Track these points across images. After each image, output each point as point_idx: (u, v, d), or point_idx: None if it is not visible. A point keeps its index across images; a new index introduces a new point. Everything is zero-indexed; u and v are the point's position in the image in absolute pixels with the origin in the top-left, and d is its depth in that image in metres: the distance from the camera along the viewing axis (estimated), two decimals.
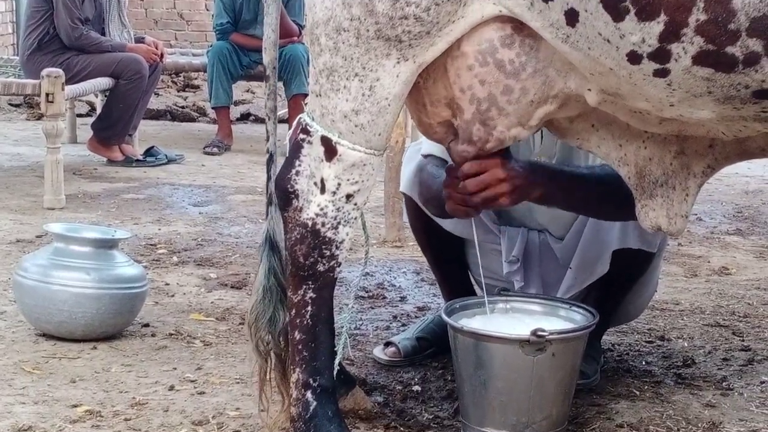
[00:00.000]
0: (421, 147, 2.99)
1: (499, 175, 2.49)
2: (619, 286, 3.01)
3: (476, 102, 2.33)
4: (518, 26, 2.24)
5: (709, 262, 4.53)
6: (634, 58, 2.08)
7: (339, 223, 2.40)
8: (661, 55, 2.05)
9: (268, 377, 2.55)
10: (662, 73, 2.08)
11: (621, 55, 2.08)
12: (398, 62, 2.28)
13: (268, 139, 2.58)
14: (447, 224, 3.00)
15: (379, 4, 2.22)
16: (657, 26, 2.02)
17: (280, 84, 8.23)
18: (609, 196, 2.65)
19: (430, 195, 2.87)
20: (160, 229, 4.87)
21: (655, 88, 2.11)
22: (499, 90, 2.30)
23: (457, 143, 2.45)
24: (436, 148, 2.86)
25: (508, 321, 2.69)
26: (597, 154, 2.52)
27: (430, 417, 2.74)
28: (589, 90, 2.26)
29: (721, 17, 1.97)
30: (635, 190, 2.47)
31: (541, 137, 2.87)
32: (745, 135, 2.28)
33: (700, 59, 2.03)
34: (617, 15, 2.03)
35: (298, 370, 2.46)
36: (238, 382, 2.94)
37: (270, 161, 2.56)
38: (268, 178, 2.55)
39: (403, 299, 3.88)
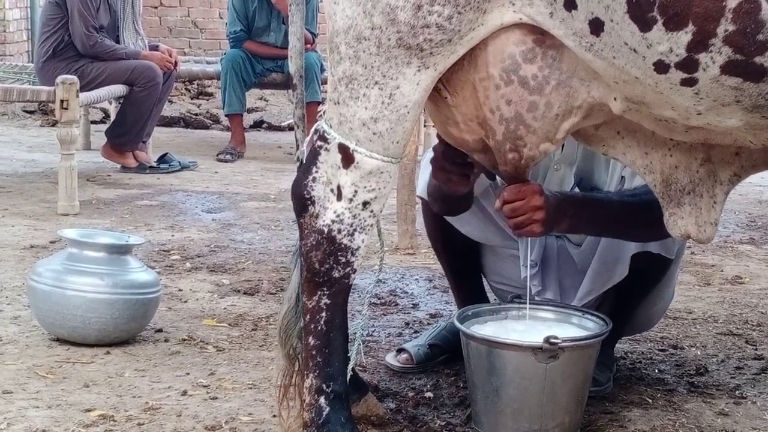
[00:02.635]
0: None
1: (536, 203, 2.56)
2: (635, 293, 3.01)
3: (505, 122, 2.35)
4: (539, 38, 2.24)
5: (722, 271, 4.52)
6: (661, 67, 2.07)
7: (355, 230, 2.41)
8: (688, 64, 2.05)
9: (293, 381, 2.56)
10: (690, 83, 2.08)
11: (647, 64, 2.08)
12: (419, 70, 2.28)
13: (297, 148, 2.59)
14: (465, 229, 3.01)
15: (401, 13, 2.22)
16: (685, 36, 2.01)
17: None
18: (636, 225, 2.72)
19: (437, 193, 2.89)
20: (173, 236, 4.88)
21: (682, 97, 2.11)
22: (524, 107, 2.31)
23: (498, 165, 2.48)
24: None
25: (521, 328, 2.70)
26: (622, 162, 2.53)
27: (443, 424, 2.74)
28: (615, 99, 2.26)
29: (749, 27, 1.97)
30: (662, 198, 2.47)
31: (562, 145, 2.88)
32: None
33: (728, 69, 2.03)
34: (644, 25, 2.03)
35: (311, 375, 2.47)
36: (250, 388, 2.95)
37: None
38: None
39: (415, 306, 3.88)
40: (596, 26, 2.10)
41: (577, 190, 2.91)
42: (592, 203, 2.74)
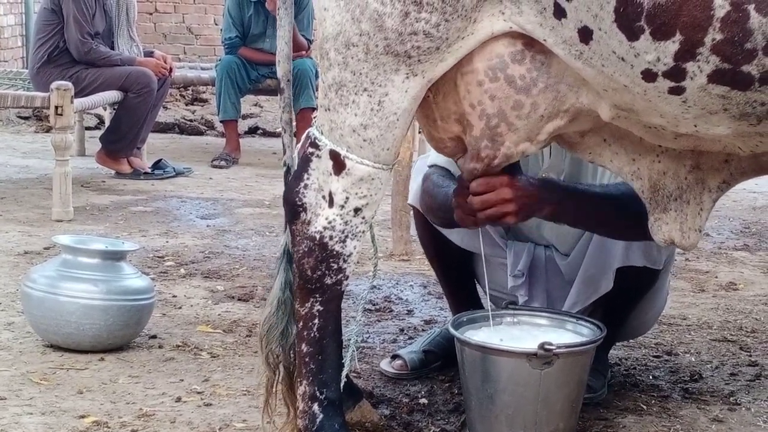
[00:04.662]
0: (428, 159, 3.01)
1: (505, 195, 2.52)
2: (624, 303, 3.00)
3: (485, 118, 2.34)
4: (529, 42, 2.24)
5: (716, 277, 4.52)
6: (648, 76, 2.08)
7: (347, 236, 2.41)
8: (676, 73, 2.05)
9: (274, 389, 2.56)
10: (677, 91, 2.08)
11: (635, 72, 2.08)
12: (407, 77, 2.28)
13: (285, 152, 2.59)
14: (454, 237, 3.01)
15: (388, 20, 2.22)
16: (672, 45, 2.02)
17: None
18: (620, 218, 2.68)
19: (433, 204, 2.88)
20: (167, 242, 4.88)
21: (670, 105, 2.11)
22: (509, 105, 2.31)
23: (466, 160, 2.46)
24: (441, 159, 2.88)
25: (516, 334, 2.69)
26: (610, 169, 2.52)
27: (437, 430, 2.73)
28: (603, 106, 2.26)
29: (737, 36, 1.97)
30: (648, 203, 2.47)
31: (550, 153, 2.88)
32: (762, 150, 2.27)
33: (715, 77, 2.03)
34: (632, 34, 2.03)
35: (305, 382, 2.47)
36: (245, 394, 2.95)
37: (287, 174, 2.57)
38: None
39: (410, 312, 3.88)
40: (585, 35, 2.10)
41: None
42: (576, 194, 2.68)
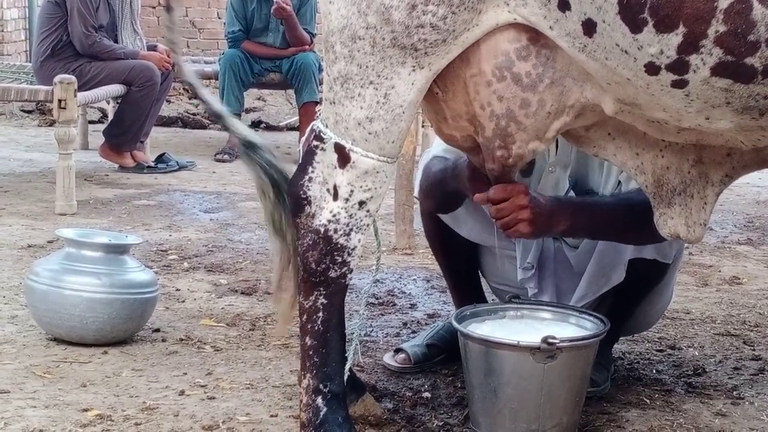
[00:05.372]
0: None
1: (521, 201, 2.57)
2: (632, 296, 3.01)
3: (495, 119, 2.34)
4: (534, 36, 2.24)
5: (720, 271, 4.52)
6: (651, 69, 2.07)
7: (351, 229, 2.41)
8: (679, 66, 2.04)
9: (286, 263, 2.62)
10: (680, 84, 2.08)
11: (639, 65, 2.08)
12: (413, 70, 2.28)
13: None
14: (462, 230, 3.01)
15: (395, 13, 2.22)
16: (675, 38, 2.01)
17: (291, 92, 8.26)
18: (635, 225, 2.71)
19: (427, 183, 2.92)
20: (171, 235, 4.88)
21: (673, 98, 2.11)
22: (516, 104, 2.31)
23: (485, 162, 2.48)
24: (441, 149, 2.89)
25: (519, 328, 2.70)
26: (613, 163, 2.54)
27: (440, 424, 2.73)
28: (607, 100, 2.26)
29: (740, 28, 1.96)
30: (653, 198, 2.47)
31: (557, 147, 2.88)
32: (764, 144, 2.27)
33: (718, 70, 2.02)
34: (635, 27, 2.03)
35: (308, 375, 2.47)
36: (248, 388, 2.95)
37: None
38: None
39: (413, 306, 3.88)
40: (589, 27, 2.10)
41: (572, 193, 2.91)
42: (588, 207, 2.74)
